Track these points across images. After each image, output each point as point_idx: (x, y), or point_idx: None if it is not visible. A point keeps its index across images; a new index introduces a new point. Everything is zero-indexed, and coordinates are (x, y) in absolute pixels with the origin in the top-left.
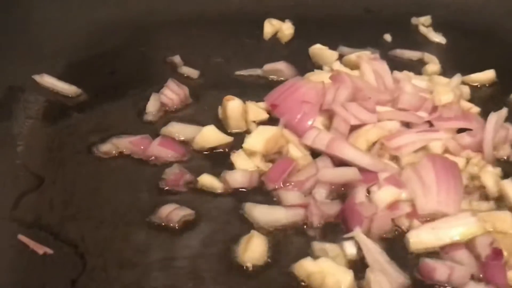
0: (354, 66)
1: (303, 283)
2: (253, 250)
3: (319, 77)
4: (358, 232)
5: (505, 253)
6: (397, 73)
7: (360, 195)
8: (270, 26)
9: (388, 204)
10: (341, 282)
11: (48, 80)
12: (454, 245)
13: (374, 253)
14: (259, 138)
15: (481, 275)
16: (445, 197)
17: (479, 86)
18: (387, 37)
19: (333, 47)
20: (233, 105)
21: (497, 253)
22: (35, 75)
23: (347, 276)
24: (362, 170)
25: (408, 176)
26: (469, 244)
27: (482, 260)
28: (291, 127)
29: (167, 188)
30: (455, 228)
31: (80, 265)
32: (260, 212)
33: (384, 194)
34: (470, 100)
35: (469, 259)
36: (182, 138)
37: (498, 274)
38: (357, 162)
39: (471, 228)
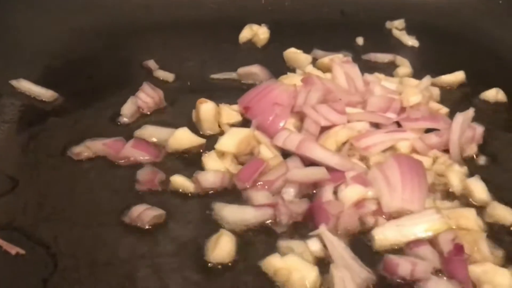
0: (327, 69)
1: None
2: (222, 249)
3: (291, 80)
4: (323, 229)
5: (467, 249)
6: (367, 76)
7: (327, 193)
8: (247, 31)
9: (355, 202)
10: (305, 278)
11: (25, 85)
12: (417, 242)
13: (339, 250)
14: (232, 139)
15: (443, 271)
16: (409, 195)
17: (449, 87)
18: (359, 40)
19: (308, 51)
20: (206, 108)
21: (459, 248)
22: (12, 80)
23: (312, 272)
24: (330, 169)
25: (374, 175)
26: (432, 240)
27: (445, 256)
28: (263, 129)
29: (141, 189)
30: (420, 225)
31: (52, 265)
32: (229, 212)
33: (351, 193)
34: (440, 101)
35: (432, 255)
36: (155, 141)
37: (460, 269)
38: (326, 162)
39: (435, 224)
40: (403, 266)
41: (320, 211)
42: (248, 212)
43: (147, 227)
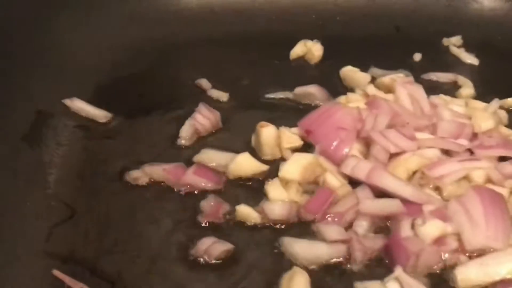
0: (388, 90)
1: None
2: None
3: (353, 101)
4: (400, 272)
5: None
6: (433, 98)
7: (405, 229)
8: (300, 47)
9: (435, 239)
10: None
11: (78, 105)
12: (504, 282)
13: None
14: (296, 166)
15: None
16: (493, 231)
17: None
18: (417, 57)
19: (363, 68)
20: (268, 132)
21: None
22: (65, 99)
23: None
24: (404, 201)
25: (454, 209)
26: None
27: None
28: (327, 155)
29: (204, 220)
30: (505, 264)
31: None
32: (301, 248)
33: (431, 228)
34: (508, 126)
35: None
36: (215, 166)
37: None
38: (400, 193)
39: None
40: None
41: (399, 249)
42: (320, 248)
43: (213, 261)
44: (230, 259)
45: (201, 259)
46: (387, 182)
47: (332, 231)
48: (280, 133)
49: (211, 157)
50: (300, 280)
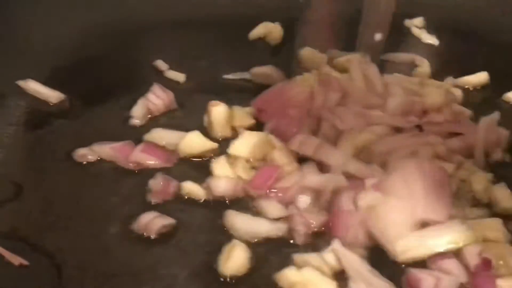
0: (344, 70)
1: None
2: (235, 261)
3: (307, 80)
4: (337, 244)
5: (494, 262)
6: (387, 77)
7: (346, 202)
8: (260, 28)
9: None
10: None
11: (31, 86)
12: (442, 255)
13: (355, 265)
14: (245, 144)
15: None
16: (433, 204)
17: (471, 89)
18: (377, 37)
19: (323, 50)
20: (218, 111)
21: (487, 263)
22: (19, 80)
23: (330, 287)
24: (349, 177)
25: (395, 182)
26: (457, 254)
27: (472, 270)
28: (277, 133)
29: (154, 199)
30: (444, 237)
31: (56, 277)
32: (242, 223)
33: (371, 201)
34: (462, 103)
35: (458, 269)
36: (166, 145)
37: (488, 284)
38: (344, 168)
39: (460, 236)
40: (427, 281)
41: (338, 222)
42: (262, 224)
43: (154, 236)
44: (172, 234)
45: (144, 234)
46: (332, 157)
47: (274, 207)
48: (232, 112)
49: (162, 136)
50: (239, 252)
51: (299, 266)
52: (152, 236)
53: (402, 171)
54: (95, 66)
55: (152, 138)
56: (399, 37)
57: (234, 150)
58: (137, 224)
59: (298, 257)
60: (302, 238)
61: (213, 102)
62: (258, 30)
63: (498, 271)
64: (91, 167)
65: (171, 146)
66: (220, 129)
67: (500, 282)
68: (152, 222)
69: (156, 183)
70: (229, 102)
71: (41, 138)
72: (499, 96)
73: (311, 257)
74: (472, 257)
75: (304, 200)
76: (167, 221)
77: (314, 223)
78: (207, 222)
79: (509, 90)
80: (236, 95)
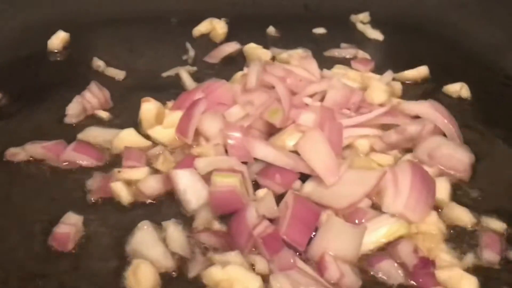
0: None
1: None
2: (142, 280)
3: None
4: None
5: (428, 255)
6: (326, 71)
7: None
8: (204, 25)
9: None
10: None
11: None
12: (378, 257)
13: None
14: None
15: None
16: (413, 204)
17: (412, 83)
18: (319, 30)
19: (268, 46)
20: (147, 107)
21: (425, 262)
22: None
23: (255, 282)
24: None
25: (387, 174)
26: (393, 254)
27: (410, 270)
28: None
29: (96, 198)
30: (378, 230)
31: None
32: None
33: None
34: (402, 97)
35: (395, 270)
36: (100, 143)
37: (429, 281)
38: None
39: (393, 227)
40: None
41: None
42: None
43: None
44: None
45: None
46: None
47: None
48: (163, 109)
49: (96, 134)
50: (145, 271)
51: (223, 265)
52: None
53: (395, 166)
54: (33, 64)
55: (85, 137)
56: (344, 32)
57: (156, 133)
58: (52, 238)
59: (218, 257)
60: None
61: (145, 98)
62: (202, 26)
63: (433, 264)
64: (23, 167)
65: (105, 143)
66: (148, 124)
67: (440, 272)
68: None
69: (95, 182)
70: (166, 98)
71: None
72: (439, 88)
73: (231, 256)
74: (409, 257)
75: None
76: (78, 236)
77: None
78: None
79: (448, 83)
80: (175, 91)
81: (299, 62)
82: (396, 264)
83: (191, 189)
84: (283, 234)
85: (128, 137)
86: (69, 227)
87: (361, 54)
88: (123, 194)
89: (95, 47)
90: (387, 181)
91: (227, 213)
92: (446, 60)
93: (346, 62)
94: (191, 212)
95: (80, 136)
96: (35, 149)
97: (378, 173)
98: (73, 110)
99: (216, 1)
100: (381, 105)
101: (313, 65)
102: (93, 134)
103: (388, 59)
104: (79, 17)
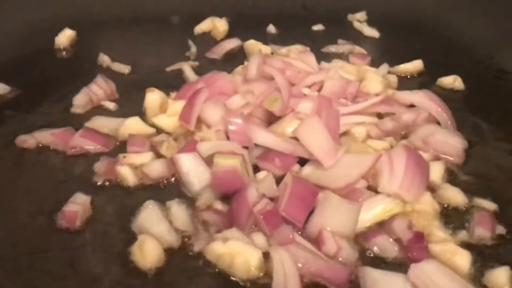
0: None
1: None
2: (147, 255)
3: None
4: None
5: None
6: (324, 64)
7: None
8: (205, 24)
9: None
10: (249, 261)
11: None
12: (374, 232)
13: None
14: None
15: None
16: (408, 184)
17: (408, 76)
18: (317, 27)
19: (267, 43)
20: (152, 97)
21: (419, 236)
22: None
23: (256, 255)
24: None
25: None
26: (388, 230)
27: (405, 244)
28: None
29: (102, 179)
30: (375, 208)
31: None
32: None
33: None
34: (398, 89)
35: (391, 245)
36: (106, 131)
37: (421, 255)
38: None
39: (388, 206)
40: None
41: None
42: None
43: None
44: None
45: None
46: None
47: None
48: (167, 99)
49: (103, 123)
50: (151, 245)
51: (224, 240)
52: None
53: (391, 150)
54: (42, 60)
55: (92, 125)
56: (341, 30)
57: (160, 121)
58: (59, 217)
59: (220, 234)
60: None
61: (149, 88)
62: (204, 25)
63: (427, 239)
64: (33, 153)
65: (111, 132)
66: (153, 113)
67: (433, 246)
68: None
69: (101, 165)
70: (170, 90)
71: None
72: (434, 81)
73: (232, 232)
74: (403, 232)
75: None
76: (85, 213)
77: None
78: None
79: (443, 77)
80: (177, 84)
81: (298, 56)
82: (391, 239)
83: (194, 171)
84: (282, 210)
85: (133, 125)
86: (77, 206)
87: (358, 49)
88: (129, 177)
89: (100, 45)
90: (383, 163)
91: (229, 193)
92: (441, 56)
93: (343, 57)
94: (194, 193)
95: (88, 124)
96: (44, 136)
97: (374, 156)
98: (79, 101)
99: (216, 1)
100: (377, 95)
101: (311, 58)
102: (100, 122)
103: (384, 55)
104: (85, 15)
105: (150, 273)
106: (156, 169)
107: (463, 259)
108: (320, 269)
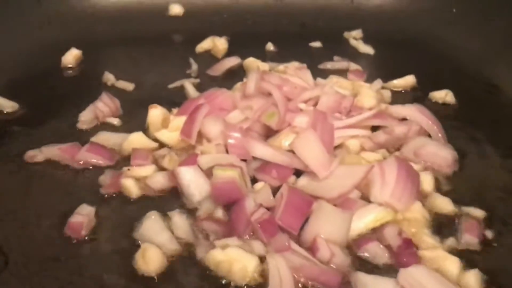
0: None
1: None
2: (149, 262)
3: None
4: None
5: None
6: (320, 80)
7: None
8: (206, 42)
9: None
10: (247, 267)
11: None
12: (366, 239)
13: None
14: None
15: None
16: (399, 194)
17: (402, 91)
18: (315, 44)
19: (266, 60)
20: (154, 113)
21: (408, 242)
22: None
23: (253, 261)
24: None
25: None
26: (379, 237)
27: (395, 250)
28: None
29: (107, 192)
30: (366, 217)
31: (3, 262)
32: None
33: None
34: (391, 104)
35: (381, 251)
36: (111, 145)
37: (412, 260)
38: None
39: (379, 214)
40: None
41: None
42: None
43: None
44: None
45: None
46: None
47: None
48: (169, 116)
49: (107, 138)
50: (153, 253)
51: (223, 248)
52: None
53: (382, 161)
54: (48, 78)
55: (98, 139)
56: (337, 47)
57: (161, 136)
58: (67, 227)
59: (219, 242)
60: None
61: (152, 105)
62: (205, 43)
63: (418, 246)
64: (40, 167)
65: (116, 146)
66: (156, 129)
67: (424, 252)
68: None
69: (106, 178)
70: (172, 107)
71: None
72: (426, 95)
73: (231, 240)
74: (393, 239)
75: None
76: (90, 224)
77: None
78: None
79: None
80: (180, 100)
81: (295, 72)
82: (381, 246)
83: (194, 183)
84: (278, 219)
85: (136, 140)
86: (83, 217)
87: (353, 66)
88: (132, 188)
89: (105, 63)
90: (375, 174)
91: (228, 203)
92: (433, 71)
93: (338, 73)
94: (195, 204)
95: (93, 139)
96: (52, 151)
97: (366, 167)
98: (85, 117)
99: (217, 20)
100: (370, 109)
101: (307, 74)
102: (105, 137)
103: (378, 71)
104: (90, 36)
105: (153, 279)
106: (159, 181)
107: (452, 265)
108: (315, 274)
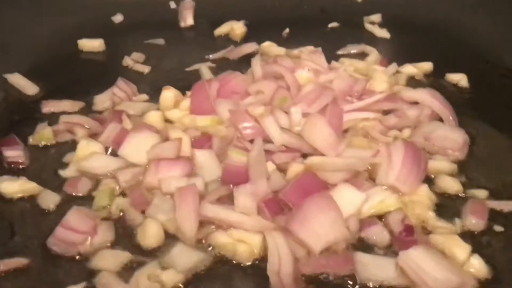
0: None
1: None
2: (150, 235)
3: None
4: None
5: (418, 222)
6: (334, 63)
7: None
8: (224, 26)
9: None
10: (252, 246)
11: (14, 79)
12: (370, 222)
13: None
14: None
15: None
16: (405, 176)
17: (417, 76)
18: (333, 24)
19: (284, 46)
20: (166, 94)
21: (408, 229)
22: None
23: (256, 240)
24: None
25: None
26: (384, 221)
27: (396, 236)
28: None
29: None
30: (370, 201)
31: None
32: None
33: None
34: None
35: (383, 234)
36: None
37: (411, 244)
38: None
39: (385, 200)
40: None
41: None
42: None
43: None
44: None
45: None
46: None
47: None
48: (182, 97)
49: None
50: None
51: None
52: None
53: (389, 143)
54: (68, 63)
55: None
56: (355, 32)
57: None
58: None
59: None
60: None
61: (166, 86)
62: (223, 27)
63: (423, 230)
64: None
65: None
66: (167, 109)
67: (436, 236)
68: None
69: None
70: (187, 89)
71: (15, 122)
72: (441, 81)
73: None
74: (396, 224)
75: None
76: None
77: None
78: None
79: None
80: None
81: (309, 56)
82: (384, 230)
83: (207, 166)
84: (282, 193)
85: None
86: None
87: (368, 49)
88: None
89: (125, 48)
90: (382, 156)
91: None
92: (450, 56)
93: (354, 57)
94: (203, 187)
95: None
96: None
97: (373, 150)
98: (99, 100)
99: (236, 4)
100: (381, 93)
101: (321, 58)
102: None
103: (395, 55)
104: (110, 21)
105: (154, 252)
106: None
107: (462, 250)
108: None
